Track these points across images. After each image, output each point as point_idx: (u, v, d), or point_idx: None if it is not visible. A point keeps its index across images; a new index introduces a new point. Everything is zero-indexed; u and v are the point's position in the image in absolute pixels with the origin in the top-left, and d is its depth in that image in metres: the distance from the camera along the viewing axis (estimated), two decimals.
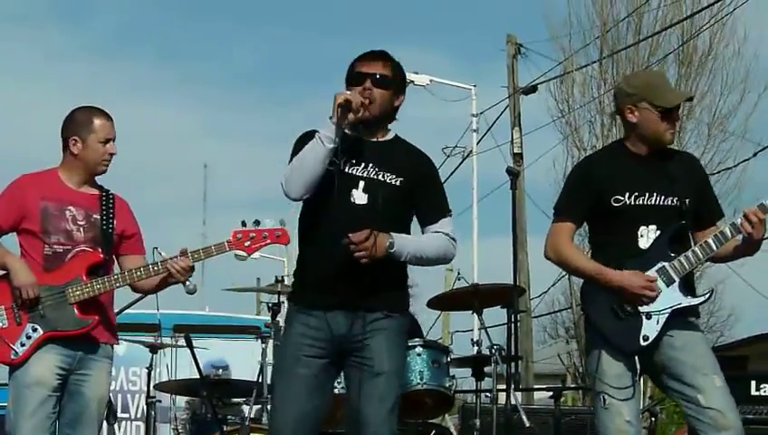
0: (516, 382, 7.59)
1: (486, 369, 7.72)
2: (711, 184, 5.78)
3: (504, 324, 7.71)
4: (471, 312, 8.01)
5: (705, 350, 5.38)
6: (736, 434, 5.19)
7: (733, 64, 21.48)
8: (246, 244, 5.57)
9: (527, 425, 7.51)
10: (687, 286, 5.36)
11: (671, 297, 5.29)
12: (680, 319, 5.31)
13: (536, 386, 18.97)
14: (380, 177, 5.09)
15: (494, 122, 20.77)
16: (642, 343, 5.25)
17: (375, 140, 5.16)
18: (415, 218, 5.25)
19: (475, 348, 7.80)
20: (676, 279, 5.30)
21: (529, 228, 20.06)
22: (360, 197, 5.06)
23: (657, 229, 5.34)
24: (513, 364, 7.57)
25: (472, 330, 16.82)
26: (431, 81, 20.73)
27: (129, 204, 5.90)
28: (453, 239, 5.23)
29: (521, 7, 43.44)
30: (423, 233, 5.21)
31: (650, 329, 5.25)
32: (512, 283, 7.51)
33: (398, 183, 5.11)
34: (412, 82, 20.43)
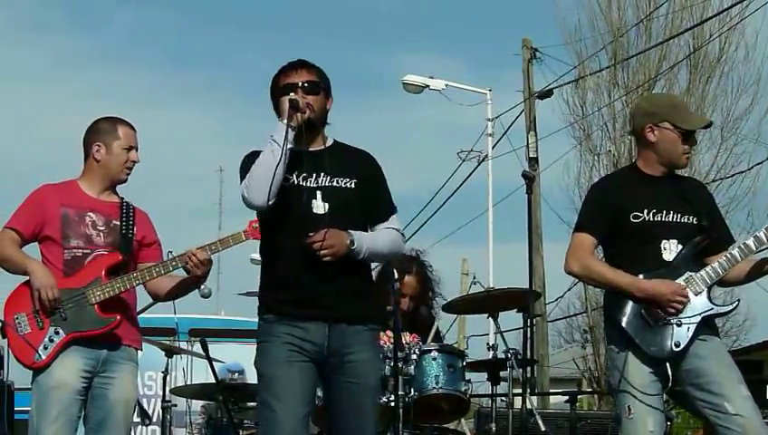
0: (532, 387, 7.57)
1: (502, 373, 7.71)
2: (719, 209, 5.83)
3: (519, 329, 7.73)
4: (486, 316, 8.01)
5: (730, 360, 5.44)
6: None
7: (743, 68, 21.43)
8: None
9: (543, 429, 7.50)
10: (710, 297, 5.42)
11: (700, 306, 5.35)
12: (704, 329, 5.36)
13: (552, 390, 18.89)
14: (335, 183, 5.18)
15: (510, 126, 20.74)
16: (674, 348, 5.29)
17: (319, 148, 5.24)
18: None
19: (491, 352, 7.80)
20: (704, 288, 5.36)
21: (544, 233, 20.02)
22: (319, 206, 5.13)
23: (678, 244, 5.40)
24: (528, 368, 7.56)
25: (487, 334, 16.78)
26: (446, 85, 20.69)
27: (149, 215, 5.96)
28: (402, 235, 5.37)
29: (536, 12, 43.44)
30: (373, 230, 5.28)
31: (681, 336, 5.31)
32: (527, 287, 7.51)
33: (352, 185, 5.21)
34: (428, 86, 20.48)
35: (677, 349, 5.28)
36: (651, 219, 5.41)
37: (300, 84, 5.16)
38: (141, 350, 5.90)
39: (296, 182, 5.13)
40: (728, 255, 5.39)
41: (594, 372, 23.39)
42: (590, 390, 22.50)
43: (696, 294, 5.35)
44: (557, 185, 25.50)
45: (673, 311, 5.30)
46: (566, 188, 22.22)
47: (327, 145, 5.29)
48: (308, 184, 5.15)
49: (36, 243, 5.75)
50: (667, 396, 5.50)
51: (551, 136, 25.39)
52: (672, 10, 21.19)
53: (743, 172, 20.30)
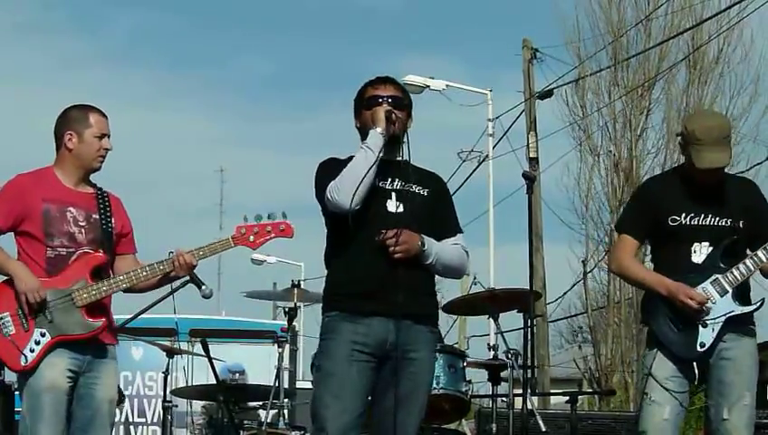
0: (532, 387, 7.57)
1: (503, 374, 7.72)
2: (766, 205, 5.87)
3: (520, 329, 7.73)
4: (487, 317, 8.01)
5: (751, 365, 5.67)
6: None
7: (741, 68, 21.45)
8: (251, 238, 5.63)
9: (543, 430, 7.51)
10: (742, 296, 5.64)
11: (725, 306, 5.60)
12: (737, 326, 5.62)
13: (552, 391, 18.87)
14: (409, 187, 5.27)
15: (510, 127, 20.73)
16: (699, 349, 5.57)
17: (396, 159, 5.30)
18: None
19: (492, 353, 7.80)
20: (729, 289, 5.60)
21: (545, 233, 20.01)
22: (394, 206, 5.23)
23: (710, 246, 5.62)
24: (529, 369, 7.56)
25: (488, 335, 16.79)
26: (447, 85, 20.67)
27: (122, 201, 5.88)
28: (467, 254, 5.44)
29: (537, 12, 43.46)
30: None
31: (706, 336, 5.58)
32: (528, 287, 7.50)
33: (425, 193, 5.31)
34: (428, 87, 20.45)
35: (702, 349, 5.56)
36: (687, 223, 5.63)
37: (386, 98, 5.27)
38: (117, 343, 5.79)
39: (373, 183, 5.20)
40: (754, 256, 5.60)
41: (595, 372, 23.37)
42: (590, 390, 22.47)
43: (722, 295, 5.59)
44: (558, 185, 25.43)
45: (694, 311, 5.52)
46: (566, 188, 22.25)
47: (402, 159, 5.34)
48: (383, 186, 5.24)
49: (12, 234, 5.63)
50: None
51: (551, 136, 25.42)
52: (671, 10, 21.21)
53: (742, 172, 20.30)
